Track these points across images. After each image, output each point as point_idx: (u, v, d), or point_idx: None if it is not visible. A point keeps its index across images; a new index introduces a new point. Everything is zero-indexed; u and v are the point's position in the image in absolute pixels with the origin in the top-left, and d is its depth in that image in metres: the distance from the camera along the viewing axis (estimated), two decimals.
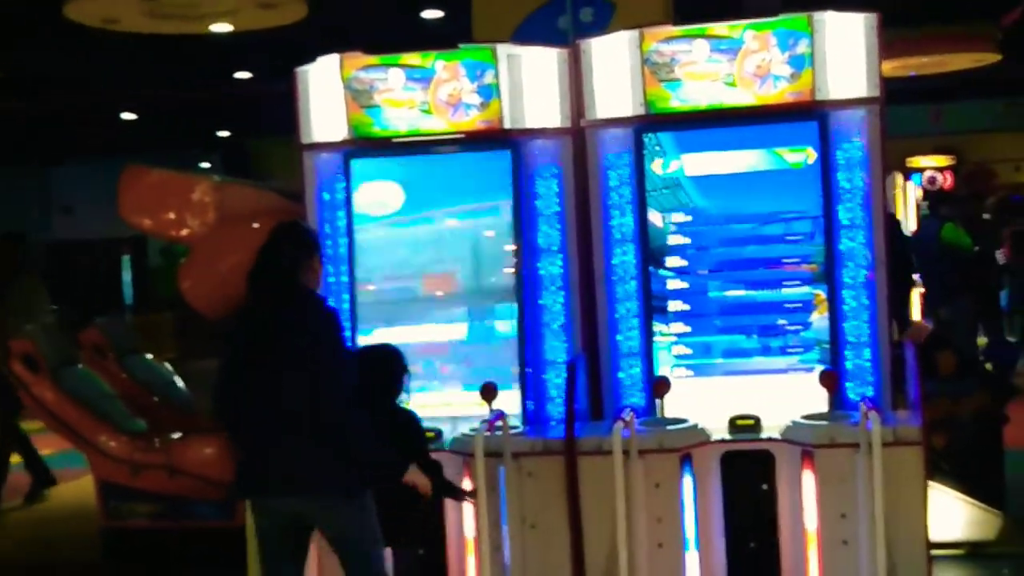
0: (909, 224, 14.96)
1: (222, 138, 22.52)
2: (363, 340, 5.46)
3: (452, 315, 5.57)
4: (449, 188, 5.59)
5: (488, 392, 5.12)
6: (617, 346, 5.45)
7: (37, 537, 8.12)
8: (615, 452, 4.77)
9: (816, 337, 5.28)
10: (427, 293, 5.60)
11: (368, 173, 5.63)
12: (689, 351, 5.41)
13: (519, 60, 5.49)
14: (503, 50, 5.46)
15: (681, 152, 5.40)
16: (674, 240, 5.42)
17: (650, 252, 5.40)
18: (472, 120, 5.48)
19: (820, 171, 5.26)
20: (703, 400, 5.27)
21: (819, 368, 5.19)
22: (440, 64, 5.45)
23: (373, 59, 5.51)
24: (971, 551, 6.32)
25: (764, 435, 5.03)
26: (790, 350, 5.33)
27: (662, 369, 5.36)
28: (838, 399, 5.13)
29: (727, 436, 5.06)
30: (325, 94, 5.64)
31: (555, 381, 5.46)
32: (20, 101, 16.07)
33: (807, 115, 5.26)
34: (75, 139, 20.37)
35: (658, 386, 5.23)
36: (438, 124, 5.51)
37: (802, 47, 5.17)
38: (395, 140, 5.58)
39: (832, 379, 5.09)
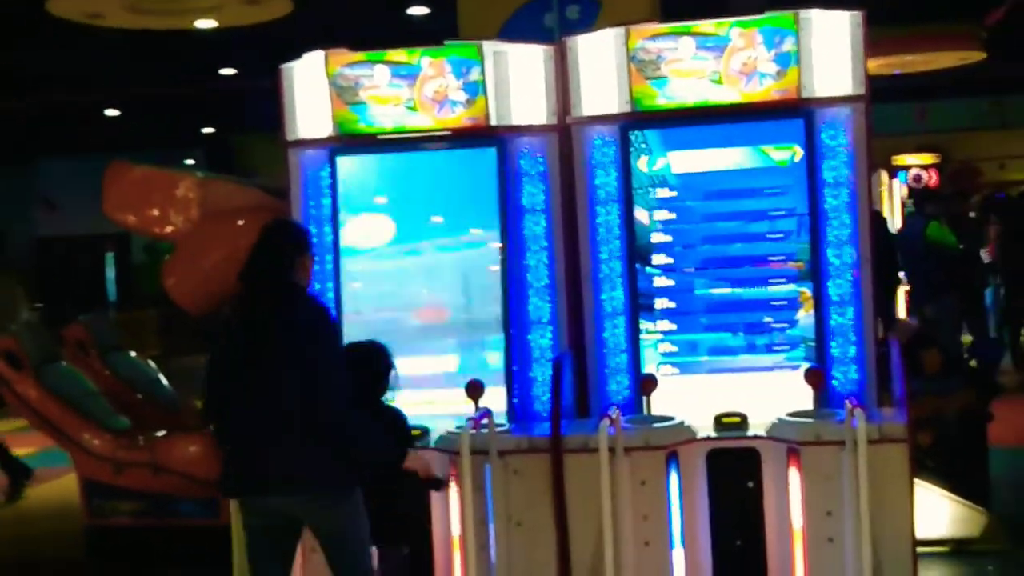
0: (894, 222, 15.00)
1: (206, 134, 22.47)
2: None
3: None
4: (435, 189, 5.58)
5: (474, 390, 5.11)
6: (603, 343, 5.45)
7: (20, 535, 8.09)
8: (601, 450, 4.76)
9: (802, 335, 5.28)
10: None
11: (353, 173, 5.61)
12: (675, 349, 5.40)
13: (505, 57, 5.48)
14: (489, 47, 5.45)
15: (667, 149, 5.40)
16: (660, 237, 5.42)
17: (636, 249, 5.40)
18: (458, 117, 5.46)
19: (806, 169, 5.26)
20: (689, 397, 5.26)
21: (805, 366, 5.19)
22: (426, 61, 5.44)
23: (358, 55, 5.49)
24: (956, 548, 6.34)
25: (750, 433, 5.03)
26: (776, 348, 5.33)
27: (648, 367, 5.36)
28: (824, 397, 5.13)
29: (713, 434, 5.06)
30: (310, 90, 5.61)
31: (541, 378, 5.44)
32: (3, 97, 16.00)
33: (793, 113, 5.26)
34: (59, 135, 20.32)
35: (644, 384, 5.22)
36: (424, 121, 5.50)
37: (788, 45, 5.17)
38: (380, 137, 5.56)
39: (818, 377, 5.09)
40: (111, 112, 19.09)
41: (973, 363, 10.10)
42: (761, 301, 5.35)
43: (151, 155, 13.98)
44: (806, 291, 5.28)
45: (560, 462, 4.95)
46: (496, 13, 6.81)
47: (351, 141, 5.60)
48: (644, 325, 5.39)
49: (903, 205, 16.79)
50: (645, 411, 5.20)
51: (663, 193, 5.41)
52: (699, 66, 5.25)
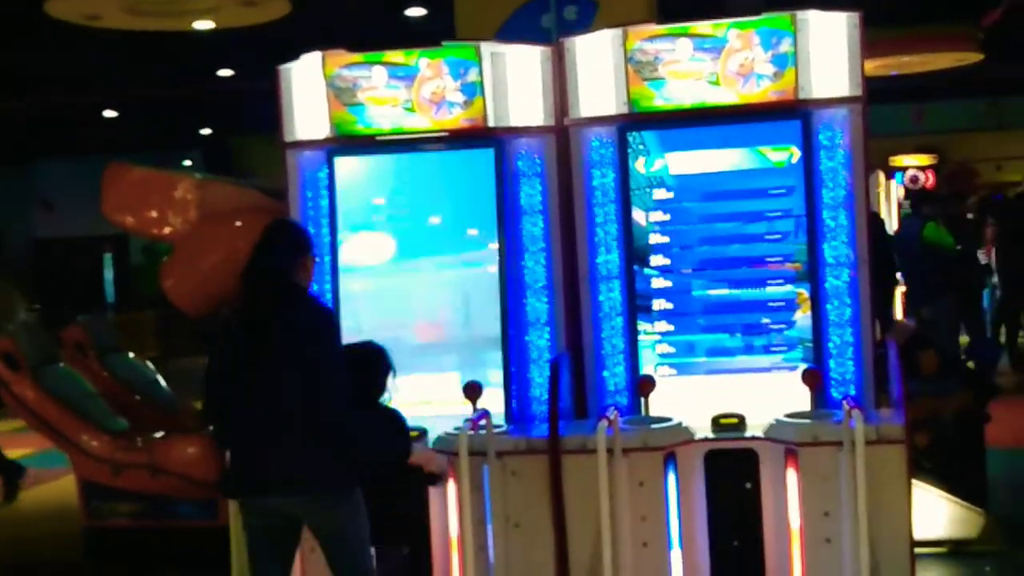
0: (891, 223, 15.01)
1: (204, 136, 22.47)
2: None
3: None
4: (433, 191, 5.59)
5: (472, 391, 5.12)
6: (601, 345, 5.45)
7: (19, 537, 8.09)
8: (599, 451, 4.77)
9: (799, 336, 5.29)
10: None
11: (352, 175, 5.61)
12: (673, 350, 5.41)
13: (503, 58, 5.48)
14: (487, 48, 5.45)
15: (665, 151, 5.40)
16: (658, 239, 5.42)
17: (634, 251, 5.40)
18: (456, 118, 5.47)
19: (803, 170, 5.26)
20: (687, 399, 5.27)
21: (802, 367, 5.19)
22: (423, 62, 5.44)
23: (356, 57, 5.49)
24: (953, 549, 6.35)
25: (748, 434, 5.03)
26: (773, 349, 5.33)
27: (646, 368, 5.36)
28: (821, 398, 5.14)
29: (711, 435, 5.06)
30: (308, 92, 5.62)
31: (539, 380, 5.45)
32: (1, 98, 15.99)
33: (790, 114, 5.27)
34: (57, 137, 20.30)
35: (642, 385, 5.23)
36: (421, 122, 5.50)
37: (785, 46, 5.18)
38: (378, 138, 5.56)
39: (815, 378, 5.09)
40: (109, 113, 19.08)
41: (970, 364, 10.12)
42: (759, 302, 5.35)
43: (149, 156, 13.96)
44: (803, 292, 5.28)
45: (558, 463, 4.95)
46: (494, 14, 6.82)
47: (349, 142, 5.60)
48: (642, 326, 5.39)
49: (900, 206, 16.81)
50: (643, 412, 5.20)
51: (661, 194, 5.42)
52: (696, 67, 5.25)
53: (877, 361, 5.24)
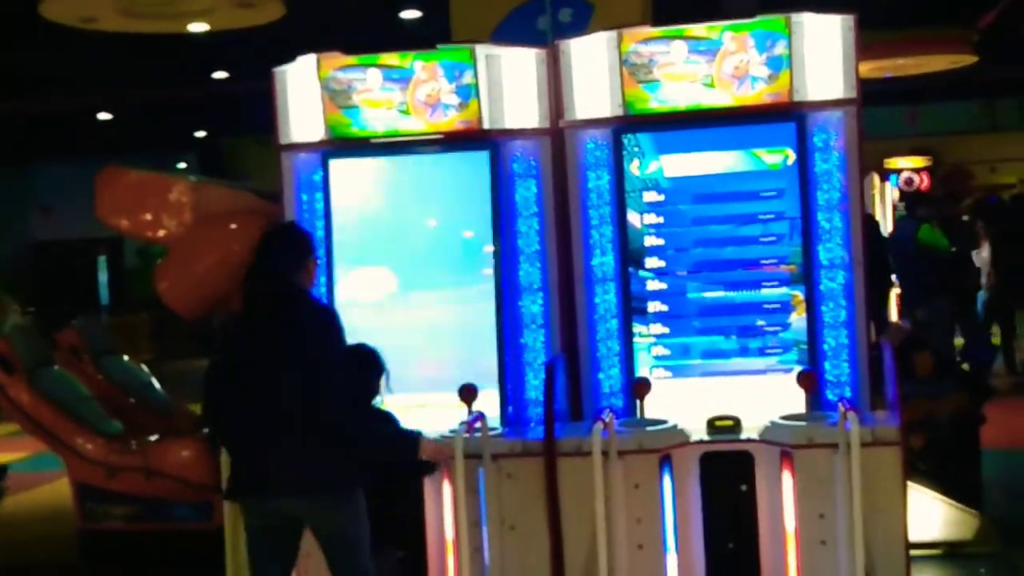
0: (886, 225, 15.03)
1: (198, 138, 22.46)
2: None
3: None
4: (427, 193, 5.59)
5: (467, 393, 5.11)
6: (596, 347, 5.45)
7: (12, 539, 8.07)
8: (595, 453, 4.76)
9: (794, 338, 5.29)
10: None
11: (347, 177, 5.61)
12: (668, 352, 5.41)
13: (498, 60, 5.48)
14: (482, 50, 5.45)
15: (660, 153, 5.40)
16: (653, 241, 5.42)
17: (629, 253, 5.40)
18: (451, 120, 5.47)
19: (798, 172, 5.27)
20: (682, 401, 5.27)
21: (797, 369, 5.20)
22: (418, 64, 5.44)
23: (351, 59, 5.49)
24: (949, 551, 6.35)
25: (743, 436, 5.03)
26: (768, 351, 5.33)
27: (641, 370, 5.36)
28: (816, 400, 5.14)
29: (706, 437, 5.06)
30: (303, 94, 5.62)
31: (534, 382, 5.45)
32: None
33: (785, 116, 5.27)
34: (52, 139, 20.28)
35: (637, 387, 5.23)
36: (416, 124, 5.50)
37: (780, 48, 5.18)
38: (373, 141, 5.56)
39: (810, 380, 5.10)
40: (104, 116, 19.06)
41: (965, 366, 10.14)
42: (754, 304, 5.36)
43: (144, 159, 13.93)
44: (798, 294, 5.29)
45: (553, 465, 4.95)
46: (489, 16, 6.82)
47: (344, 145, 5.60)
48: (637, 328, 5.39)
49: (895, 208, 16.83)
50: (638, 414, 5.20)
51: (656, 196, 5.42)
52: (691, 70, 5.26)
53: (872, 363, 5.24)
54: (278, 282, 4.29)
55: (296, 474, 4.18)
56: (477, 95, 5.41)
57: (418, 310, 5.56)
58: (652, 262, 5.42)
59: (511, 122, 5.50)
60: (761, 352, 5.34)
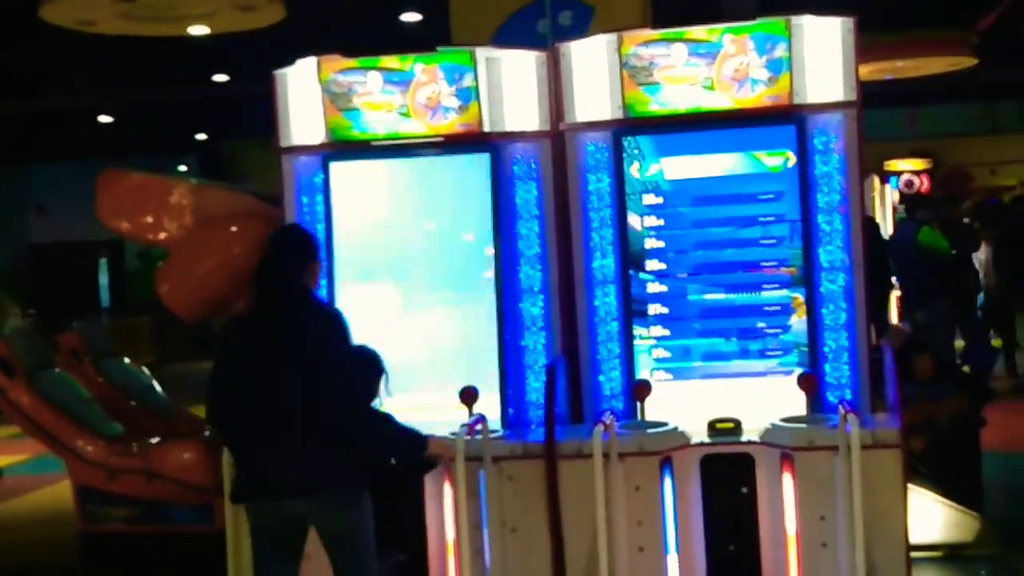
0: (887, 227, 15.02)
1: (199, 141, 22.46)
2: None
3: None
4: (428, 196, 5.59)
5: (468, 396, 5.11)
6: (597, 349, 5.46)
7: (14, 542, 8.08)
8: (595, 455, 4.77)
9: (795, 340, 5.30)
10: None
11: (347, 179, 5.61)
12: (668, 354, 5.41)
13: (498, 63, 5.49)
14: (482, 53, 5.46)
15: (660, 155, 5.41)
16: (653, 243, 5.43)
17: (629, 255, 5.41)
18: (451, 123, 5.47)
19: (798, 174, 5.27)
20: (683, 403, 5.27)
21: (798, 371, 5.20)
22: (419, 67, 5.45)
23: (351, 62, 5.50)
24: (949, 553, 6.34)
25: (743, 438, 5.04)
26: (769, 353, 5.34)
27: (642, 372, 5.37)
28: (817, 402, 5.14)
29: (707, 439, 5.06)
30: (303, 97, 5.62)
31: (535, 385, 5.45)
32: None
33: (785, 119, 5.28)
34: (52, 141, 20.29)
35: (638, 389, 5.23)
36: (416, 127, 5.51)
37: (780, 51, 5.19)
38: (374, 143, 5.57)
39: (811, 382, 5.10)
40: (104, 118, 19.07)
41: (966, 368, 10.14)
42: (754, 306, 5.36)
43: (144, 161, 13.98)
44: (799, 296, 5.29)
45: (554, 468, 4.95)
46: (489, 19, 6.82)
47: (344, 147, 5.60)
48: (637, 331, 5.40)
49: (895, 210, 16.83)
50: (639, 417, 5.21)
51: (656, 199, 5.42)
52: (691, 72, 5.26)
53: (872, 365, 5.24)
54: (283, 283, 4.30)
55: (298, 475, 4.19)
56: (477, 98, 5.41)
57: (418, 313, 5.58)
58: (652, 264, 5.43)
59: (511, 125, 5.51)
60: (761, 354, 5.34)
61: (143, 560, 6.98)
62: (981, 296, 12.22)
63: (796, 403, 5.09)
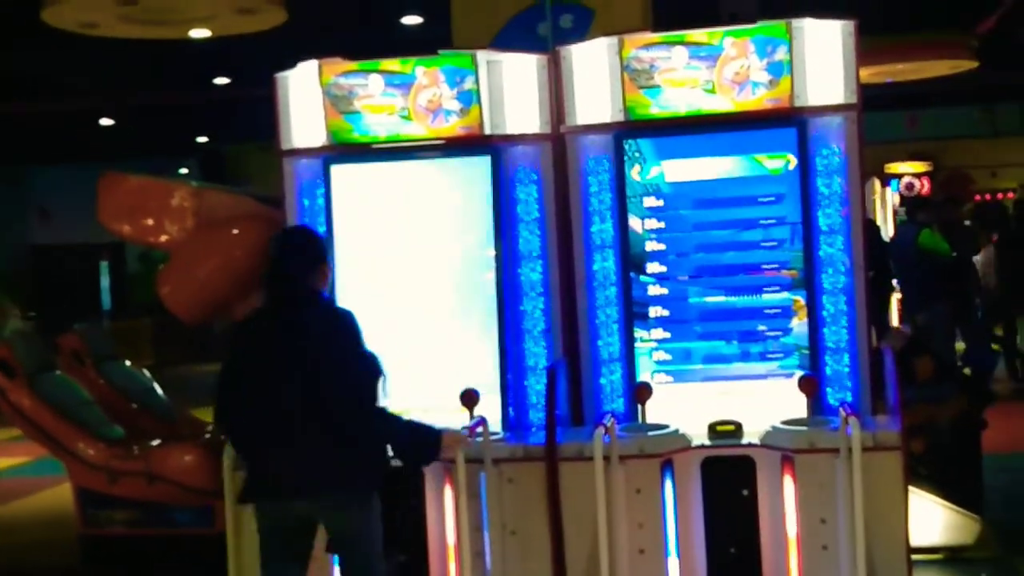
0: (887, 230, 15.03)
1: (200, 144, 22.48)
2: None
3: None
4: (428, 199, 5.60)
5: (469, 398, 5.12)
6: (598, 352, 5.46)
7: (15, 544, 8.08)
8: (596, 458, 4.77)
9: (796, 343, 5.30)
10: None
11: (348, 182, 5.61)
12: (669, 357, 5.41)
13: (499, 66, 5.50)
14: (483, 56, 5.46)
15: (660, 158, 5.41)
16: (654, 246, 5.43)
17: (630, 258, 5.41)
18: (452, 126, 5.47)
19: (799, 177, 5.28)
20: (684, 406, 5.27)
21: (799, 374, 5.20)
22: (420, 70, 5.45)
23: (352, 65, 5.50)
24: (950, 556, 6.35)
25: (744, 441, 5.04)
26: (770, 356, 5.34)
27: (643, 375, 5.37)
28: (818, 404, 5.14)
29: (707, 442, 5.07)
30: (304, 100, 5.63)
31: (536, 387, 5.45)
32: None
33: (786, 121, 5.28)
34: (53, 144, 20.30)
35: (639, 392, 5.24)
36: (418, 130, 5.51)
37: (780, 54, 5.19)
38: (375, 146, 5.57)
39: (812, 385, 5.10)
40: (105, 121, 19.08)
41: (966, 370, 10.13)
42: (755, 309, 5.36)
43: (145, 164, 13.99)
44: (800, 299, 5.29)
45: (555, 470, 4.96)
46: (490, 22, 6.82)
47: (345, 150, 5.61)
48: (638, 333, 5.40)
49: (896, 213, 16.83)
50: (640, 419, 5.21)
51: (656, 202, 5.43)
52: (692, 75, 5.26)
53: (873, 368, 5.24)
54: (288, 285, 4.31)
55: (302, 475, 4.20)
56: (478, 101, 5.42)
57: (419, 314, 5.58)
58: (653, 267, 5.43)
59: (512, 128, 5.51)
60: (762, 357, 5.34)
61: (144, 563, 6.98)
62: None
63: (797, 406, 5.09)
